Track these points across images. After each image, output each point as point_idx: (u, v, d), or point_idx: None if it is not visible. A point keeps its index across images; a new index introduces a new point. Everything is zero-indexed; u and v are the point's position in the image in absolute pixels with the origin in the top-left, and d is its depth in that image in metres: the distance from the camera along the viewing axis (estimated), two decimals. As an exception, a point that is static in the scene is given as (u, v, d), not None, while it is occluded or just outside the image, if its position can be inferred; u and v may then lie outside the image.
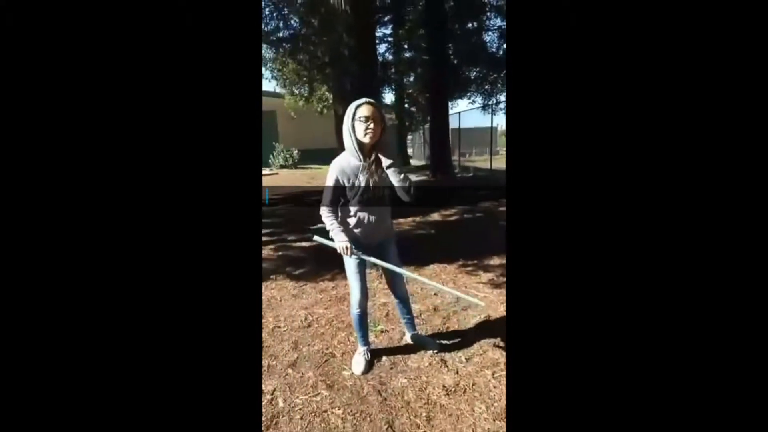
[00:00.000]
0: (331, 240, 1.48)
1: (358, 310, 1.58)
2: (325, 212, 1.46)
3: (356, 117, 1.34)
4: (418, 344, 1.78)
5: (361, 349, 1.67)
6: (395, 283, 1.67)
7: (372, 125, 1.32)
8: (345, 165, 1.40)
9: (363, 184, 1.40)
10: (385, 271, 1.64)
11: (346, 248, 1.44)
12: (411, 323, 1.80)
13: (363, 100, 1.35)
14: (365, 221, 1.47)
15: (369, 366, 1.63)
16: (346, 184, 1.41)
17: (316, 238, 1.56)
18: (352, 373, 1.61)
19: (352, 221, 1.48)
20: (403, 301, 1.73)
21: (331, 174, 1.42)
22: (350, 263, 1.53)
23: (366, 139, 1.34)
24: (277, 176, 10.52)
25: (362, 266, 1.54)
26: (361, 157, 1.38)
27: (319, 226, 1.49)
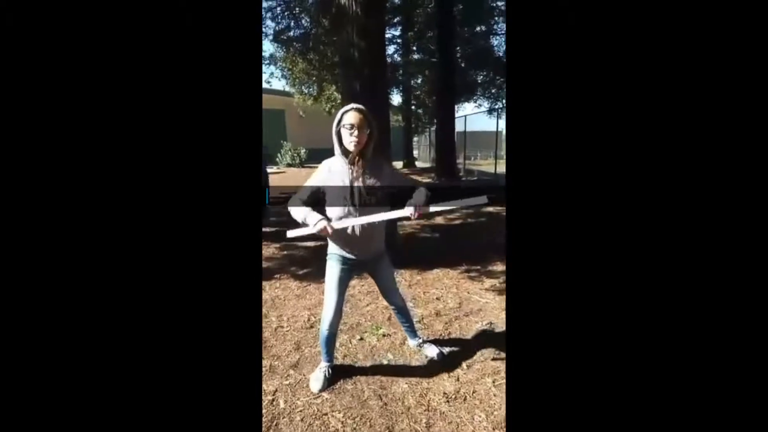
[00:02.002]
0: (306, 225, 1.34)
1: (327, 330, 1.48)
2: (293, 205, 1.37)
3: (342, 124, 1.30)
4: (422, 352, 1.77)
5: (323, 365, 1.58)
6: (390, 293, 1.63)
7: (357, 133, 1.28)
8: (334, 166, 1.37)
9: (349, 189, 1.34)
10: (378, 281, 1.60)
11: (324, 226, 1.29)
12: (412, 330, 1.79)
13: (350, 106, 1.31)
14: (353, 231, 1.37)
15: (327, 383, 1.53)
16: (333, 184, 1.35)
17: (290, 233, 1.38)
18: (314, 390, 1.51)
19: (340, 232, 1.37)
20: (401, 309, 1.71)
21: (317, 172, 1.38)
22: (331, 277, 1.46)
23: (351, 147, 1.30)
24: (284, 174, 10.55)
25: (343, 283, 1.47)
26: (347, 162, 1.34)
27: (296, 233, 1.35)
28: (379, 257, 1.52)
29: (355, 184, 1.34)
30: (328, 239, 1.45)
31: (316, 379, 1.54)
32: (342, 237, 1.40)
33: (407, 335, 1.82)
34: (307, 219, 1.34)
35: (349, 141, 1.29)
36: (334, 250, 1.46)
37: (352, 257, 1.44)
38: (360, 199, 1.34)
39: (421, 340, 1.80)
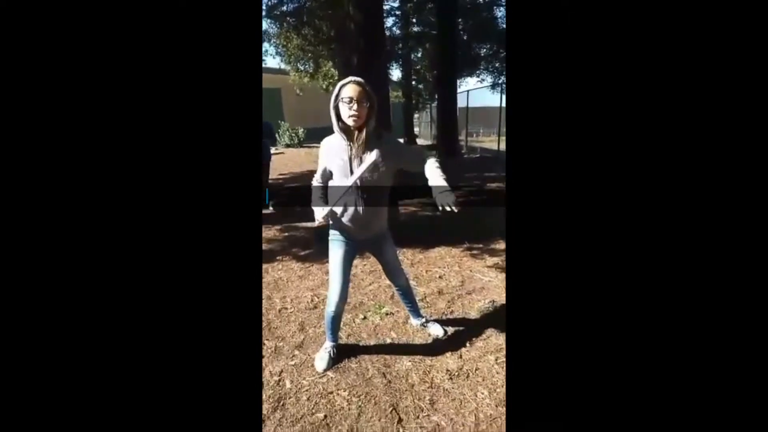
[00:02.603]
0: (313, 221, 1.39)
1: (333, 310, 1.48)
2: (313, 186, 1.46)
3: (340, 97, 1.24)
4: (426, 331, 1.78)
5: (328, 345, 1.59)
6: (394, 274, 1.64)
7: (356, 107, 1.22)
8: (333, 144, 1.35)
9: (349, 167, 1.31)
10: (382, 262, 1.61)
11: (322, 222, 1.36)
12: (415, 310, 1.80)
13: (349, 79, 1.26)
14: (354, 210, 1.36)
15: (332, 362, 1.54)
16: (334, 163, 1.34)
17: (300, 224, 1.46)
18: (320, 371, 1.53)
19: (340, 209, 1.37)
20: (404, 290, 1.72)
21: (320, 152, 1.40)
22: (335, 258, 1.44)
23: (350, 122, 1.25)
24: (282, 155, 10.45)
25: (347, 263, 1.45)
26: (346, 139, 1.30)
27: (312, 224, 1.41)
28: (382, 237, 1.52)
29: (355, 161, 1.31)
30: (331, 220, 1.43)
31: (321, 358, 1.56)
32: (343, 218, 1.39)
33: (410, 315, 1.83)
34: (315, 213, 1.39)
35: (348, 115, 1.24)
36: (336, 231, 1.45)
37: (353, 236, 1.43)
38: (361, 177, 1.31)
39: (424, 320, 1.82)
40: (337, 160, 1.33)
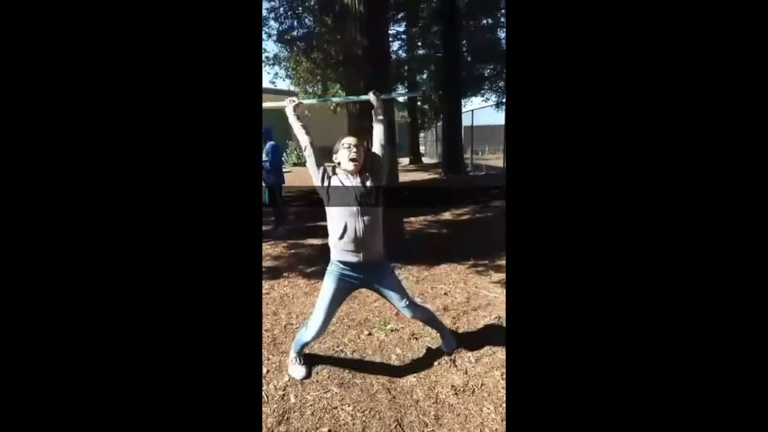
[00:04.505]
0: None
1: (306, 341, 1.55)
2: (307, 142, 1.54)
3: (341, 143, 1.48)
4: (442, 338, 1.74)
5: (293, 356, 1.62)
6: (405, 307, 1.57)
7: (355, 150, 1.45)
8: (334, 176, 1.50)
9: (351, 192, 1.44)
10: (387, 295, 1.57)
11: (291, 101, 1.56)
12: (445, 338, 1.71)
13: (346, 136, 1.51)
14: (354, 232, 1.42)
15: (308, 368, 1.60)
16: (334, 188, 1.46)
17: (266, 105, 1.61)
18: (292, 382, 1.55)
19: (340, 232, 1.43)
20: (426, 321, 1.70)
21: (325, 166, 1.50)
22: (328, 290, 1.48)
23: (350, 166, 1.45)
24: (290, 174, 10.61)
25: (339, 299, 1.50)
26: (346, 174, 1.48)
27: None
28: (380, 266, 1.53)
29: (356, 187, 1.45)
30: (330, 244, 1.49)
31: (297, 370, 1.60)
32: (343, 240, 1.44)
33: (443, 345, 1.72)
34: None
35: (348, 158, 1.44)
36: (336, 256, 1.49)
37: (354, 261, 1.45)
38: (360, 200, 1.44)
39: (455, 347, 1.73)
40: (338, 183, 1.46)
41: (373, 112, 1.59)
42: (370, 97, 1.60)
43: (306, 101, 1.77)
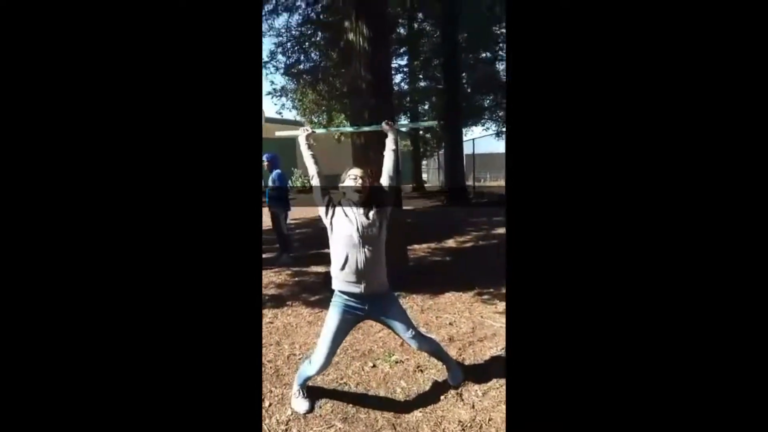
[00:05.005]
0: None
1: (310, 375, 1.52)
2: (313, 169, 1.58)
3: (348, 174, 1.48)
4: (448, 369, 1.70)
5: (297, 389, 1.58)
6: (411, 338, 1.55)
7: (360, 182, 1.45)
8: (339, 208, 1.50)
9: (354, 224, 1.44)
10: (393, 328, 1.56)
11: (305, 130, 1.61)
12: (452, 370, 1.68)
13: (352, 167, 1.54)
14: (356, 263, 1.42)
15: (311, 402, 1.56)
16: (338, 219, 1.47)
17: (278, 133, 1.77)
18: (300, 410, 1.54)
19: (342, 262, 1.43)
20: (433, 353, 1.67)
21: (329, 198, 1.52)
22: (332, 323, 1.46)
23: (355, 197, 1.46)
24: (294, 200, 10.70)
25: (343, 332, 1.48)
26: (351, 204, 1.48)
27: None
28: (384, 297, 1.52)
29: (359, 219, 1.45)
30: (332, 274, 1.49)
31: (300, 404, 1.56)
32: (345, 270, 1.43)
33: (449, 378, 1.69)
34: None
35: (354, 190, 1.45)
36: (338, 286, 1.48)
37: (356, 292, 1.44)
38: (363, 231, 1.44)
39: (462, 379, 1.69)
40: (341, 216, 1.46)
41: (386, 141, 1.61)
42: (384, 127, 1.62)
43: (318, 131, 1.82)
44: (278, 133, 1.81)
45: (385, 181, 1.54)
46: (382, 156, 1.58)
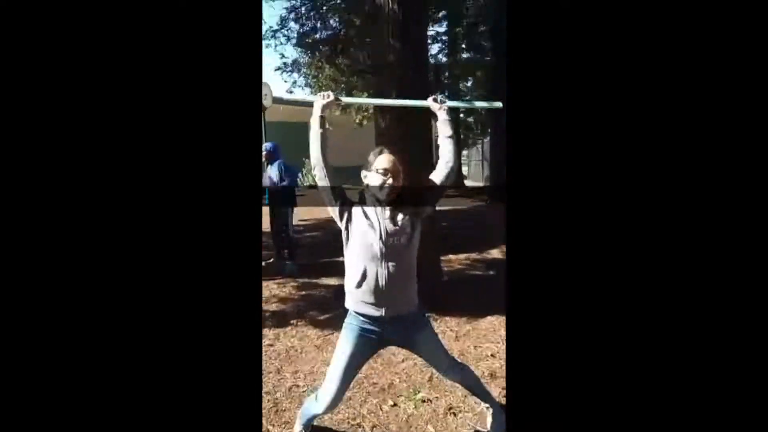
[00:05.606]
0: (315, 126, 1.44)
1: (316, 413, 1.52)
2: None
3: (375, 167, 1.37)
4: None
5: (298, 429, 1.60)
6: (443, 369, 1.55)
7: (391, 182, 1.34)
8: (357, 208, 1.41)
9: (377, 230, 1.36)
10: (422, 354, 1.54)
11: (326, 96, 1.45)
12: (491, 407, 1.62)
13: (382, 149, 1.42)
14: (376, 281, 1.34)
15: None
16: (356, 224, 1.39)
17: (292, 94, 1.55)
18: None
19: (358, 279, 1.36)
20: (467, 386, 1.62)
21: (346, 199, 1.44)
22: (344, 350, 1.41)
23: (382, 196, 1.36)
24: (304, 197, 10.86)
25: (357, 361, 1.44)
26: (374, 202, 1.40)
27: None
28: (413, 323, 1.45)
29: (384, 224, 1.37)
30: (345, 289, 1.42)
31: None
32: (362, 289, 1.36)
33: (490, 426, 1.63)
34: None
35: (381, 189, 1.34)
36: (352, 306, 1.40)
37: (376, 315, 1.36)
38: (387, 240, 1.35)
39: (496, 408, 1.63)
40: (361, 217, 1.38)
41: (438, 125, 1.49)
42: (430, 103, 1.50)
43: (347, 99, 1.70)
44: (286, 96, 1.74)
45: (439, 178, 1.44)
46: (429, 145, 1.52)
